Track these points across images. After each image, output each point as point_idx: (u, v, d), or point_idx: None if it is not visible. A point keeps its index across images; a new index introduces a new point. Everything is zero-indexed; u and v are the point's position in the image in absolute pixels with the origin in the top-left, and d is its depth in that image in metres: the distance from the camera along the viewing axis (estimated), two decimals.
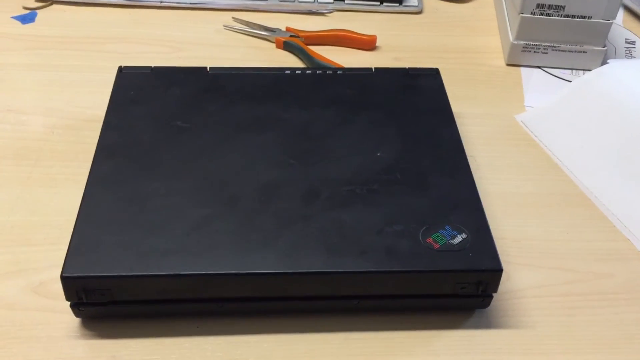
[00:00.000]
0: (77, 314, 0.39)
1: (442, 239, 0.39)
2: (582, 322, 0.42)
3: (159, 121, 0.47)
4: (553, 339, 0.40)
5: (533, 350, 0.40)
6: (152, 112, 0.48)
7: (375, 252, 0.39)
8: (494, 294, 0.40)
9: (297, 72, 0.53)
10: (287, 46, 0.64)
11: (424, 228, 0.40)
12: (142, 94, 0.50)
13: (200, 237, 0.39)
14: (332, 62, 0.61)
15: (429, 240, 0.39)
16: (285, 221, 0.40)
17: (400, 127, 0.48)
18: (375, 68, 0.54)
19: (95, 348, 0.39)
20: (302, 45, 0.63)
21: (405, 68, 0.54)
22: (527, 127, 0.56)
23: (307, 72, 0.53)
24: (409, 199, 0.42)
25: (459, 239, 0.39)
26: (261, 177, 0.43)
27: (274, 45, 0.65)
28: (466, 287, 0.39)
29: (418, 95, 0.51)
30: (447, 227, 0.40)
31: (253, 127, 0.47)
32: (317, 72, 0.53)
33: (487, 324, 0.41)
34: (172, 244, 0.39)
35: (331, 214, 0.41)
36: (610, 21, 0.59)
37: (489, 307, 0.41)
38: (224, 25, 0.67)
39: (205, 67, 0.53)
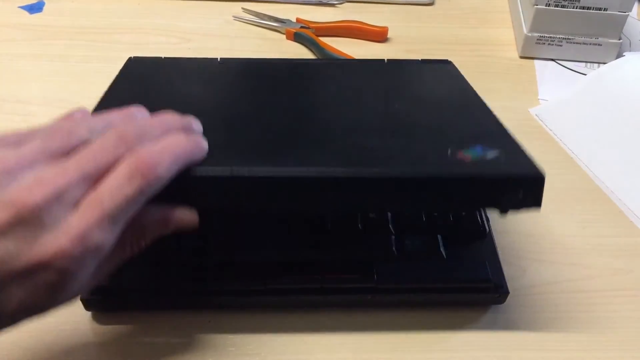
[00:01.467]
0: (87, 307, 0.39)
1: (474, 154, 0.36)
2: (601, 318, 0.41)
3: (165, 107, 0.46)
4: (571, 336, 0.40)
5: (550, 346, 0.39)
6: (158, 100, 0.47)
7: (404, 160, 0.35)
8: (509, 291, 0.40)
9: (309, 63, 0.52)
10: (297, 37, 0.63)
11: (454, 147, 0.36)
12: (149, 82, 0.49)
13: None
14: (343, 53, 0.61)
15: (460, 154, 0.36)
16: (308, 137, 0.38)
17: (422, 102, 0.45)
18: (388, 59, 0.53)
19: (106, 341, 0.38)
20: (313, 36, 0.62)
21: (418, 60, 0.53)
22: (541, 120, 0.55)
23: (320, 62, 0.53)
24: (436, 132, 0.39)
25: (492, 154, 0.36)
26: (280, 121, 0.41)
27: (284, 36, 0.64)
28: (506, 197, 0.35)
29: (436, 79, 0.50)
30: (478, 147, 0.36)
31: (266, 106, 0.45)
32: (330, 62, 0.52)
33: (503, 320, 0.40)
34: None
35: (355, 137, 0.38)
36: (627, 13, 0.58)
37: (504, 303, 0.41)
38: (234, 16, 0.66)
39: (216, 58, 0.52)
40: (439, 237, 0.41)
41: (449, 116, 0.42)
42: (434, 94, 0.46)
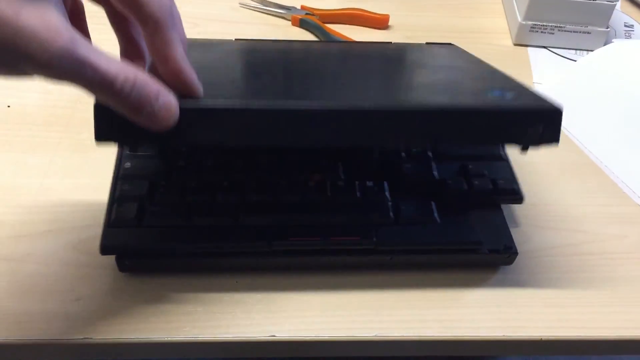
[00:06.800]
0: (121, 268, 0.41)
1: (494, 95, 0.38)
2: (599, 278, 0.44)
3: None
4: (573, 294, 0.43)
5: (554, 303, 0.42)
6: None
7: (432, 96, 0.39)
8: (518, 252, 0.43)
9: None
10: (303, 24, 0.65)
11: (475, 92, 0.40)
12: None
13: None
14: (349, 38, 0.63)
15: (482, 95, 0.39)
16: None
17: (435, 68, 0.48)
18: (394, 42, 0.56)
19: (140, 300, 0.40)
20: (318, 22, 0.64)
21: (421, 43, 0.56)
22: None
23: (332, 42, 0.55)
24: (455, 85, 0.42)
25: (511, 95, 0.38)
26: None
27: (289, 22, 0.66)
28: (527, 131, 0.36)
29: (446, 54, 0.51)
30: (497, 91, 0.39)
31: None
32: (342, 43, 0.55)
33: (513, 279, 0.43)
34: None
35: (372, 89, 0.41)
36: (614, 3, 0.62)
37: (513, 264, 0.44)
38: (240, 3, 0.68)
39: (232, 39, 0.54)
40: (433, 203, 0.44)
41: (465, 75, 0.45)
42: (446, 63, 0.48)
